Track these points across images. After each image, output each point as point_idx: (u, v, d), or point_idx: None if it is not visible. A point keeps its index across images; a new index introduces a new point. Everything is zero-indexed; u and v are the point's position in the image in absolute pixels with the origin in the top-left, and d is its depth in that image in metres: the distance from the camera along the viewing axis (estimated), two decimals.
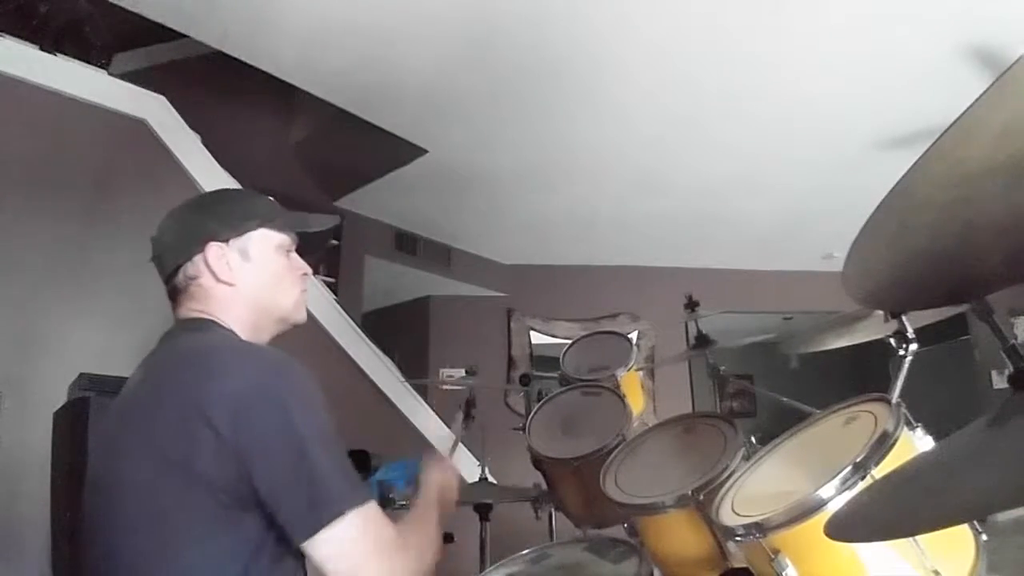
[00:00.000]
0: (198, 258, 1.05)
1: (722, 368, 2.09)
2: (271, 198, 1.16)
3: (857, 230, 0.69)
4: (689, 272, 5.60)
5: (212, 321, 1.04)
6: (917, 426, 0.96)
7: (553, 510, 2.12)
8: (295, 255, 1.15)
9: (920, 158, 0.58)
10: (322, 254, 1.42)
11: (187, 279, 1.06)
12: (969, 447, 0.67)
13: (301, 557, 0.91)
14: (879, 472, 0.87)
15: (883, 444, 0.89)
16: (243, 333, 1.05)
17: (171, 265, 1.07)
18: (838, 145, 3.89)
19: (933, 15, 2.78)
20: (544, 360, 5.29)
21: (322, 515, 0.84)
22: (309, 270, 1.16)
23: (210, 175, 2.96)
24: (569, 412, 1.90)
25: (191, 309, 1.05)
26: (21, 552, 2.09)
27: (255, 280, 1.07)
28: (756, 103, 3.45)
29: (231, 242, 1.07)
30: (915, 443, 0.94)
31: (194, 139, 2.99)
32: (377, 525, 0.89)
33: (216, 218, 1.08)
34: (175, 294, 1.07)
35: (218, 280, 1.05)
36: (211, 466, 0.84)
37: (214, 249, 1.05)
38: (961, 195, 0.59)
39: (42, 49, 2.60)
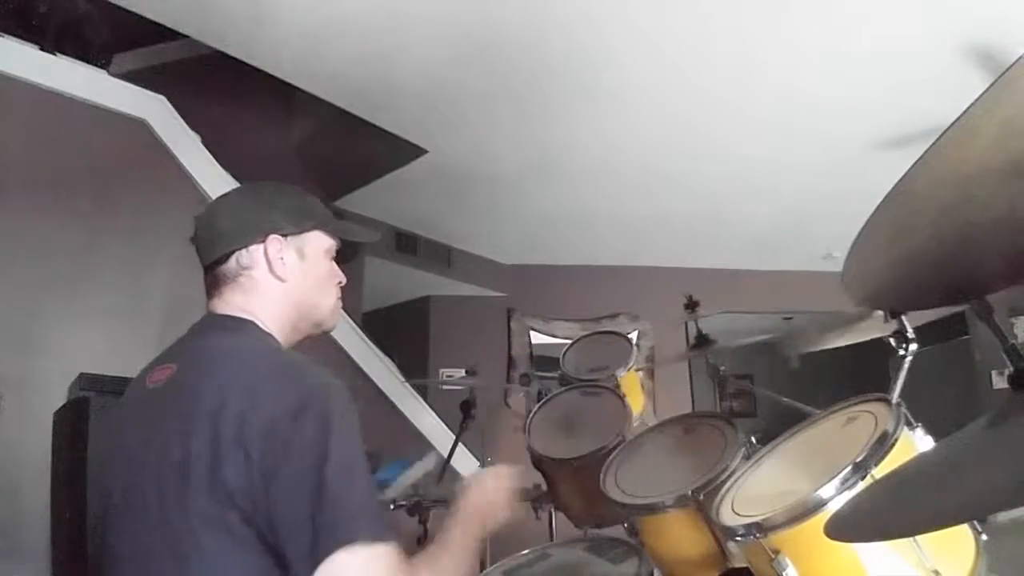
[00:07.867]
0: (256, 248, 1.03)
1: (722, 368, 2.08)
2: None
3: (857, 230, 0.69)
4: (689, 272, 5.59)
5: (251, 322, 1.01)
6: (917, 426, 0.96)
7: (553, 510, 2.12)
8: (334, 263, 1.14)
9: (920, 158, 0.58)
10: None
11: (239, 268, 1.03)
12: (969, 447, 0.67)
13: None
14: (879, 472, 0.86)
15: (883, 444, 0.89)
16: (281, 333, 1.04)
17: (222, 251, 1.03)
18: (838, 145, 3.88)
19: (933, 15, 2.78)
20: (544, 360, 5.28)
21: (339, 539, 0.78)
22: (344, 279, 1.15)
23: (210, 175, 2.96)
24: (569, 412, 1.90)
25: (232, 304, 1.02)
26: (21, 552, 2.08)
27: (304, 281, 1.06)
28: (756, 103, 3.44)
29: (290, 238, 1.06)
30: (915, 443, 0.94)
31: (194, 139, 2.99)
32: (400, 565, 0.82)
33: (280, 211, 1.06)
34: (218, 282, 1.04)
35: (272, 274, 1.03)
36: (235, 482, 0.81)
37: (275, 242, 1.04)
38: (961, 195, 0.59)
39: (42, 49, 2.60)
